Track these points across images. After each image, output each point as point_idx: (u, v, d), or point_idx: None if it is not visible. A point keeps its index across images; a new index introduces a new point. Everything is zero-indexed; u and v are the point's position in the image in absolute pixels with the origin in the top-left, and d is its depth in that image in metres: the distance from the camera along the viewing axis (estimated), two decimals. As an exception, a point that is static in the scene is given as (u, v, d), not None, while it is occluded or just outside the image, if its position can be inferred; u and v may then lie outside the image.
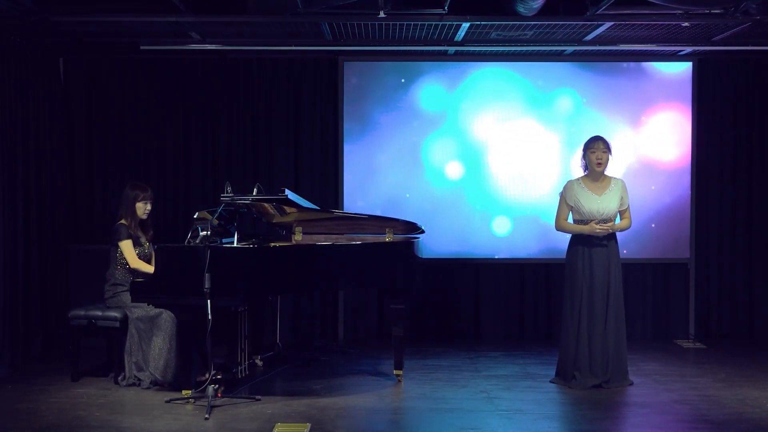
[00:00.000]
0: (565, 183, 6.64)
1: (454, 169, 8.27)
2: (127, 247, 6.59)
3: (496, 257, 8.30)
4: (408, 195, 8.25)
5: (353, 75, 8.25)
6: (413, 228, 7.03)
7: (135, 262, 6.59)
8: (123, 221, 6.68)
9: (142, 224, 6.77)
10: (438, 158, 8.27)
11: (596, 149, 6.50)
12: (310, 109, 8.36)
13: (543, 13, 6.45)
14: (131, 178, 8.13)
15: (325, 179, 8.38)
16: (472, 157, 8.27)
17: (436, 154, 8.26)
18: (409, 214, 7.91)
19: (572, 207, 6.55)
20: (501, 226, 8.27)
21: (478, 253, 8.29)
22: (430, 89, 8.25)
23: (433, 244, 8.04)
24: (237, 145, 8.34)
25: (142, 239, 6.72)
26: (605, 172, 6.57)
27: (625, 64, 8.25)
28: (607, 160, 6.51)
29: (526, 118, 8.27)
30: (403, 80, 8.24)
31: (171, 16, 6.62)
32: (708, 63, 8.36)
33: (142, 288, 6.15)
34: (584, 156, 6.57)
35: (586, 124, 8.13)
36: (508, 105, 8.27)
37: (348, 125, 8.24)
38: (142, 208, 6.73)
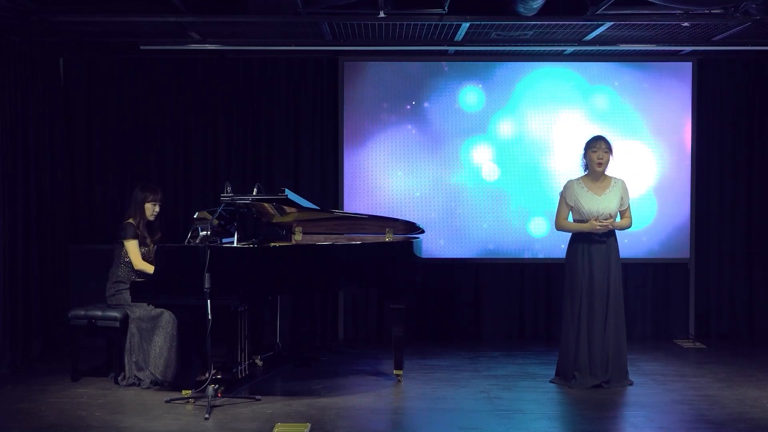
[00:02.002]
0: (565, 183, 6.64)
1: (479, 170, 8.28)
2: (132, 246, 6.59)
3: (531, 257, 8.29)
4: (418, 194, 8.25)
5: (354, 74, 8.25)
6: (413, 228, 7.03)
7: (139, 263, 6.58)
8: (131, 220, 6.68)
9: (149, 225, 6.77)
10: (455, 158, 8.27)
11: (598, 149, 6.49)
12: (310, 109, 8.36)
13: (543, 13, 6.45)
14: (131, 178, 8.16)
15: (325, 179, 8.38)
16: (505, 157, 8.27)
17: (456, 153, 8.27)
18: (427, 215, 8.07)
19: (572, 207, 6.55)
20: (538, 227, 8.26)
21: (515, 254, 8.29)
22: (436, 88, 8.25)
23: (470, 244, 8.22)
24: (237, 145, 8.34)
25: (148, 240, 6.71)
26: (605, 172, 6.57)
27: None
28: (608, 160, 6.51)
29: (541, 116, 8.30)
30: (407, 79, 8.23)
31: (171, 16, 6.61)
32: (708, 63, 8.36)
33: (142, 288, 6.15)
34: (585, 155, 6.57)
35: (623, 123, 8.22)
36: (506, 105, 8.29)
37: (348, 125, 8.24)
38: (151, 210, 6.73)
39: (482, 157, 8.27)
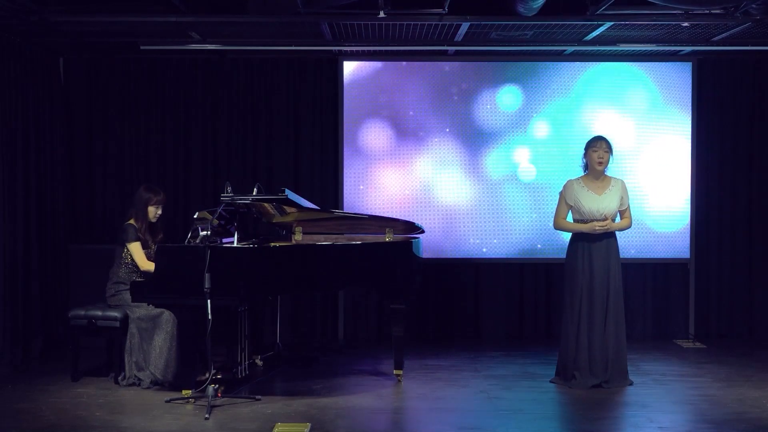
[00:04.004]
0: (565, 182, 6.65)
1: (499, 169, 8.29)
2: (136, 249, 6.58)
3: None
4: (419, 196, 8.25)
5: (353, 74, 8.25)
6: (413, 228, 7.03)
7: (145, 264, 6.57)
8: (132, 221, 6.67)
9: (151, 227, 6.76)
10: (461, 159, 8.27)
11: (598, 148, 6.50)
12: (310, 109, 8.36)
13: (543, 13, 6.45)
14: (131, 178, 8.18)
15: (325, 179, 8.38)
16: (536, 156, 8.26)
17: (454, 154, 8.27)
18: (438, 215, 8.07)
19: (572, 206, 6.55)
20: None
21: (550, 255, 8.26)
22: (436, 88, 8.25)
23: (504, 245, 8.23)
24: (237, 145, 8.34)
25: (150, 242, 6.70)
26: (605, 172, 6.57)
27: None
28: (609, 160, 6.52)
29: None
30: (408, 79, 8.23)
31: (171, 16, 6.62)
32: (708, 63, 8.36)
33: (142, 288, 6.15)
34: (585, 155, 6.57)
35: (662, 124, 8.25)
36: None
37: (348, 125, 8.24)
38: (153, 212, 6.73)
39: (497, 158, 8.28)
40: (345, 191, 8.26)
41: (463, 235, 8.27)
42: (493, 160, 8.27)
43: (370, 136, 8.26)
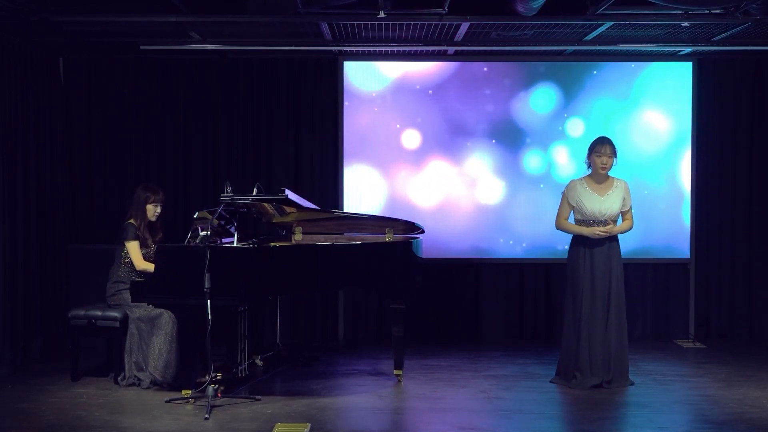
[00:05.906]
0: (568, 182, 6.65)
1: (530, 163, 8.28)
2: (133, 248, 6.59)
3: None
4: (424, 201, 8.26)
5: (354, 73, 8.25)
6: (413, 228, 7.03)
7: (141, 263, 6.58)
8: (132, 221, 6.67)
9: (150, 226, 6.76)
10: (459, 158, 8.27)
11: (603, 153, 6.47)
12: (310, 109, 8.36)
13: (543, 13, 6.45)
14: (131, 178, 8.18)
15: (325, 179, 8.38)
16: (573, 156, 8.26)
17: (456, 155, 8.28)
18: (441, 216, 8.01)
19: (574, 207, 6.55)
20: None
21: (549, 255, 8.23)
22: (435, 86, 8.26)
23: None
24: (237, 145, 8.34)
25: (149, 241, 6.71)
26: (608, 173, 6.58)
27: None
28: (613, 164, 6.52)
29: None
30: (407, 78, 8.23)
31: (171, 16, 6.61)
32: (708, 63, 8.36)
33: (142, 288, 6.15)
34: (589, 157, 6.57)
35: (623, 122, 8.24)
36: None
37: (348, 124, 8.24)
38: (152, 211, 6.73)
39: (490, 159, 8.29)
40: (345, 191, 8.25)
41: (493, 236, 8.27)
42: (528, 160, 8.25)
43: (370, 137, 8.25)
